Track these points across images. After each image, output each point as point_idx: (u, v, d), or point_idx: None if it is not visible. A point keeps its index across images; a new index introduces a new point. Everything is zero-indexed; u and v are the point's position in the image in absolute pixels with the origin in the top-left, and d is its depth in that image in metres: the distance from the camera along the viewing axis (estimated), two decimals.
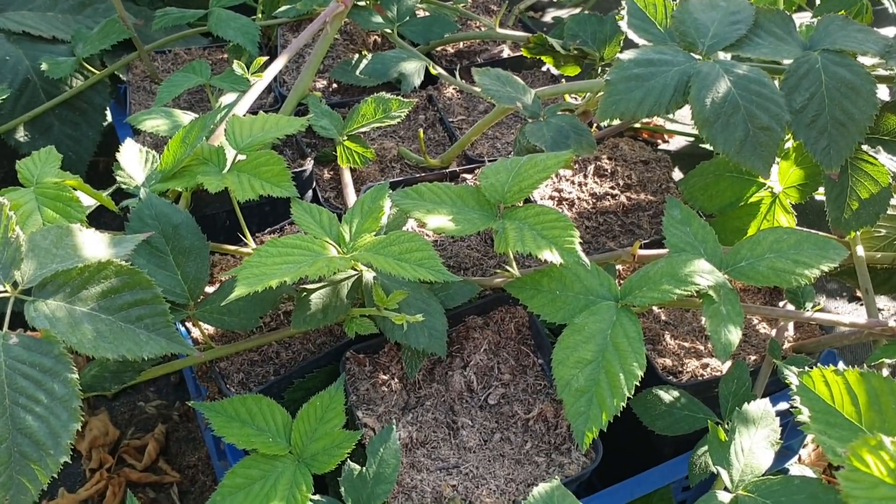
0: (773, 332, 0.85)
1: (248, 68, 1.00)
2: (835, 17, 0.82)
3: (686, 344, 0.85)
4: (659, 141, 1.61)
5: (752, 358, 0.84)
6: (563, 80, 1.19)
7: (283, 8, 1.20)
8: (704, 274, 0.70)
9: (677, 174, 1.49)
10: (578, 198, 0.99)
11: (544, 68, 1.24)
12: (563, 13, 1.79)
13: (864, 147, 0.81)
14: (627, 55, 0.79)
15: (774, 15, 0.82)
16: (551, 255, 0.69)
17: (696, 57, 0.78)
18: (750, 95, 0.75)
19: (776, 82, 0.78)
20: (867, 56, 0.80)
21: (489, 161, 1.04)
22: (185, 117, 0.95)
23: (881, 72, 0.82)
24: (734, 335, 0.70)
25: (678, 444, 0.82)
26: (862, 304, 1.27)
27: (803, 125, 0.77)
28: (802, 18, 1.48)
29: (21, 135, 1.14)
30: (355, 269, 0.77)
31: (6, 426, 0.60)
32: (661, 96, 0.76)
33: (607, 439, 0.72)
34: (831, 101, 0.77)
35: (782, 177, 0.88)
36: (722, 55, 0.79)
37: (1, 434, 0.60)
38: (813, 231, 0.90)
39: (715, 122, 0.75)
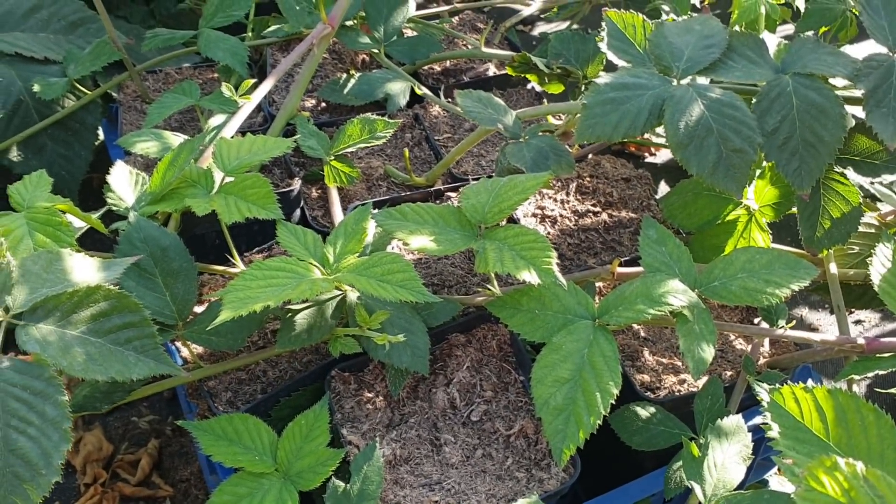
0: (749, 348, 0.87)
1: (237, 88, 1.02)
2: (807, 39, 0.84)
3: (664, 360, 0.87)
4: (646, 154, 1.63)
5: (729, 374, 0.86)
6: (546, 97, 1.21)
7: (271, 28, 1.22)
8: (678, 294, 0.72)
9: (664, 187, 1.51)
10: (561, 215, 1.01)
11: (529, 86, 1.26)
12: (552, 27, 1.81)
13: (838, 168, 0.84)
14: (603, 79, 0.81)
15: (747, 38, 0.84)
16: (529, 276, 0.71)
17: (671, 80, 0.80)
18: (723, 118, 0.77)
19: (749, 105, 0.80)
20: (837, 78, 0.82)
21: (473, 179, 1.06)
22: (175, 139, 0.96)
23: (854, 92, 0.84)
24: (707, 353, 0.72)
25: (659, 457, 0.84)
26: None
27: (775, 147, 0.79)
28: (790, 29, 1.50)
29: (14, 155, 1.16)
30: (340, 290, 0.79)
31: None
32: (636, 120, 0.78)
33: (593, 452, 0.74)
34: (802, 124, 0.79)
35: (758, 195, 0.90)
36: (696, 78, 0.81)
37: None
38: (787, 249, 0.93)
39: (689, 145, 0.77)
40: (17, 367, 0.64)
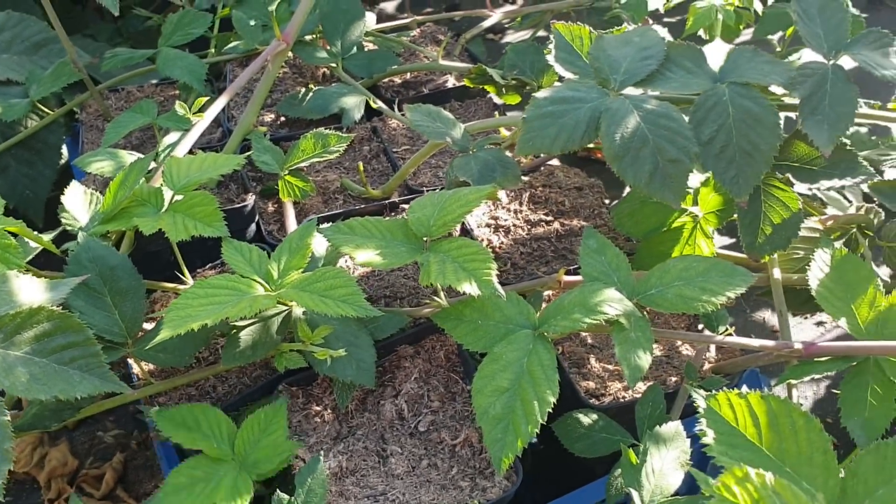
0: (694, 354, 0.88)
1: (193, 105, 1.03)
2: (744, 49, 0.85)
3: (610, 367, 0.88)
4: None
5: (674, 379, 0.87)
6: (504, 108, 1.23)
7: (231, 45, 1.23)
8: (613, 303, 0.73)
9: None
10: (514, 224, 1.02)
11: (488, 97, 1.27)
12: (524, 34, 1.82)
13: (778, 174, 0.85)
14: (542, 93, 0.82)
15: (685, 49, 0.85)
16: (470, 287, 0.72)
17: (608, 93, 0.82)
18: (658, 129, 0.79)
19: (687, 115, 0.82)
20: (773, 87, 0.83)
21: (429, 190, 1.08)
22: (130, 158, 0.98)
23: (791, 100, 0.85)
24: (644, 360, 0.73)
25: (609, 463, 0.85)
26: (806, 319, 1.31)
27: (712, 156, 0.80)
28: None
29: None
30: (286, 305, 0.80)
31: None
32: (574, 132, 0.79)
33: (548, 457, 0.75)
34: (738, 133, 0.80)
35: (703, 203, 0.91)
36: (633, 90, 0.83)
37: None
38: (727, 255, 0.94)
39: (624, 157, 0.78)
40: None
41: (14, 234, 0.82)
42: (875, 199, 0.91)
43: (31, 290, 0.72)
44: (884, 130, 1.06)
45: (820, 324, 1.30)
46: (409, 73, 1.31)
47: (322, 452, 0.75)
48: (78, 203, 0.91)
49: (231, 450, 0.73)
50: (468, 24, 1.49)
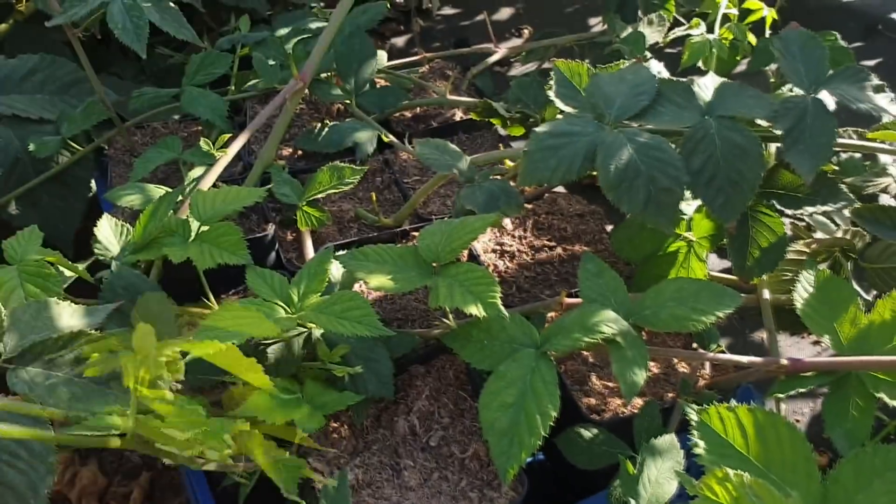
0: (689, 371, 0.93)
1: (217, 140, 1.10)
2: (731, 84, 0.91)
3: (610, 384, 0.93)
4: None
5: (670, 395, 0.92)
6: (509, 140, 1.29)
7: (250, 83, 1.31)
8: (610, 323, 0.79)
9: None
10: (518, 250, 1.08)
11: (494, 128, 1.34)
12: (524, 69, 1.89)
13: (764, 201, 0.90)
14: (542, 128, 0.88)
15: (676, 85, 0.91)
16: (476, 309, 0.78)
17: (603, 127, 0.87)
18: (651, 161, 0.84)
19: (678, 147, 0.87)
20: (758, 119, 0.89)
21: (438, 219, 1.14)
22: (158, 191, 1.04)
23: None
24: (639, 376, 0.78)
25: (610, 475, 0.90)
26: (804, 338, 1.35)
27: (701, 185, 0.86)
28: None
29: (13, 209, 1.24)
30: (305, 327, 0.86)
31: None
32: (572, 164, 0.85)
33: (558, 469, 0.78)
34: (725, 163, 0.85)
35: (696, 228, 0.97)
36: (627, 124, 0.88)
37: None
38: (720, 278, 0.99)
39: (619, 186, 0.84)
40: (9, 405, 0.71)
41: (51, 264, 0.88)
42: (857, 223, 0.96)
43: (70, 316, 0.78)
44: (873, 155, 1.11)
45: (817, 343, 1.34)
46: (418, 108, 1.38)
47: (341, 466, 0.80)
48: (109, 234, 0.98)
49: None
50: (475, 59, 1.56)
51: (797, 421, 1.25)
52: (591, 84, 0.92)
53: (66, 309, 0.78)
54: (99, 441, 0.65)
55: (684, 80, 0.93)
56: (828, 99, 0.87)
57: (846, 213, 0.99)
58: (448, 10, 2.34)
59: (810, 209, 0.88)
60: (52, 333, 0.74)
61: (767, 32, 1.54)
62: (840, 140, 0.87)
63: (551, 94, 0.97)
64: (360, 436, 0.87)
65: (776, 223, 0.89)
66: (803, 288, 0.85)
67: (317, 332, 0.86)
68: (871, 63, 2.06)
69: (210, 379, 0.85)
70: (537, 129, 0.88)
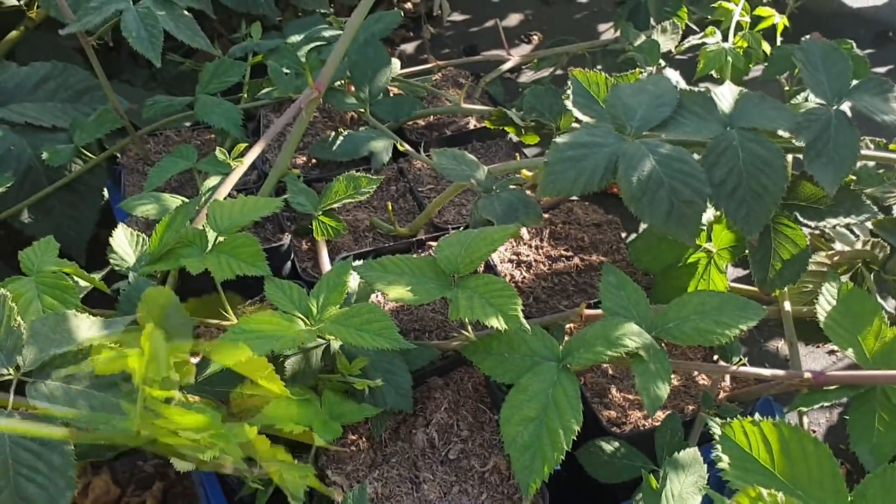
0: (710, 384, 0.93)
1: (232, 148, 1.10)
2: (752, 95, 0.90)
3: (630, 396, 0.92)
4: None
5: (691, 408, 0.91)
6: (523, 148, 1.28)
7: (264, 91, 1.30)
8: (633, 336, 0.78)
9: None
10: (535, 260, 1.07)
11: (508, 137, 1.33)
12: (537, 75, 1.88)
13: (786, 213, 0.90)
14: (562, 139, 0.87)
15: (697, 96, 0.91)
16: (497, 322, 0.77)
17: (625, 138, 0.87)
18: (673, 172, 0.84)
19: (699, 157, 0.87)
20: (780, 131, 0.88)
21: (454, 228, 1.13)
22: (173, 201, 1.04)
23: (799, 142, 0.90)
24: (662, 390, 0.77)
25: (630, 489, 0.90)
26: (818, 348, 1.35)
27: (724, 196, 0.85)
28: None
29: (25, 217, 1.24)
30: (324, 338, 0.85)
31: (11, 495, 0.68)
32: (593, 175, 0.85)
33: (578, 482, 0.78)
34: (748, 175, 0.85)
35: (716, 239, 0.96)
36: (649, 135, 0.88)
37: (5, 502, 0.68)
38: (740, 289, 0.98)
39: (641, 198, 0.83)
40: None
41: (67, 275, 0.88)
42: (879, 235, 0.96)
43: (89, 328, 0.78)
44: (890, 164, 1.10)
45: (832, 353, 1.34)
46: (431, 116, 1.37)
47: (359, 480, 0.80)
48: (124, 244, 0.97)
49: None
50: (487, 66, 1.55)
51: (813, 432, 1.24)
52: (611, 94, 0.92)
53: (84, 321, 0.78)
54: (123, 438, 0.64)
55: (702, 89, 0.92)
56: (847, 110, 0.87)
57: (868, 224, 0.98)
58: (457, 17, 2.34)
59: (833, 221, 0.87)
60: (72, 346, 0.74)
61: (779, 40, 1.54)
62: (862, 152, 0.86)
63: (569, 103, 0.97)
64: (379, 448, 0.86)
65: (798, 235, 0.89)
66: (826, 300, 0.84)
67: (335, 345, 0.85)
68: (882, 70, 2.05)
69: (228, 389, 0.85)
70: (557, 140, 0.87)
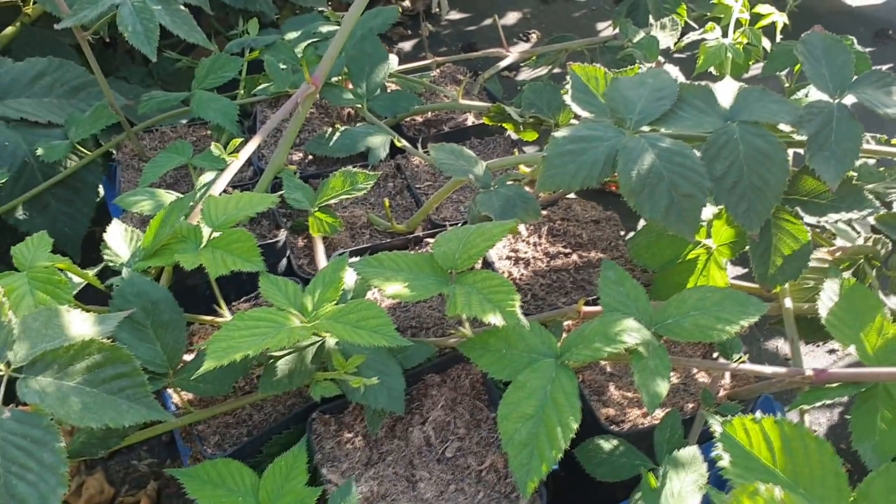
0: (709, 381, 0.92)
1: (228, 144, 1.09)
2: (753, 89, 0.90)
3: (629, 394, 0.91)
4: None
5: (690, 406, 0.90)
6: (522, 144, 1.27)
7: (260, 87, 1.29)
8: (632, 332, 0.77)
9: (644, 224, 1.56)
10: (534, 257, 1.06)
11: (507, 133, 1.32)
12: (535, 73, 1.87)
13: (787, 208, 0.89)
14: (562, 133, 0.86)
15: (697, 90, 0.90)
16: (495, 318, 0.76)
17: (624, 132, 0.86)
18: (673, 166, 0.83)
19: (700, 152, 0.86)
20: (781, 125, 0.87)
21: (451, 224, 1.12)
22: (168, 196, 1.03)
23: (800, 137, 0.89)
24: (662, 387, 0.76)
25: (629, 488, 0.89)
26: (818, 346, 1.34)
27: (724, 191, 0.84)
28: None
29: (20, 213, 1.22)
30: (319, 336, 0.84)
31: (1, 493, 0.67)
32: (592, 169, 0.84)
33: (576, 481, 0.77)
34: (749, 169, 0.84)
35: (716, 235, 0.95)
36: (648, 129, 0.87)
37: None
38: (740, 286, 0.97)
39: (641, 192, 0.82)
40: (18, 417, 0.69)
41: (61, 270, 0.86)
42: (881, 231, 0.95)
43: (81, 324, 0.77)
44: (891, 161, 1.09)
45: (832, 351, 1.33)
46: (429, 112, 1.36)
47: (354, 478, 0.79)
48: (118, 240, 0.96)
49: (256, 501, 0.76)
50: (485, 63, 1.54)
51: (814, 431, 1.23)
52: (610, 88, 0.91)
53: (77, 317, 0.76)
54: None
55: (703, 84, 0.91)
56: (850, 104, 0.86)
57: (870, 220, 0.97)
58: (455, 15, 2.33)
59: (835, 216, 0.86)
60: (64, 342, 0.73)
61: (778, 37, 1.53)
62: (864, 147, 0.85)
63: (567, 98, 0.96)
64: (375, 447, 0.85)
65: (799, 230, 0.87)
66: (828, 296, 0.83)
67: (331, 342, 0.84)
68: (881, 68, 2.04)
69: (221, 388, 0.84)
70: (556, 134, 0.86)
